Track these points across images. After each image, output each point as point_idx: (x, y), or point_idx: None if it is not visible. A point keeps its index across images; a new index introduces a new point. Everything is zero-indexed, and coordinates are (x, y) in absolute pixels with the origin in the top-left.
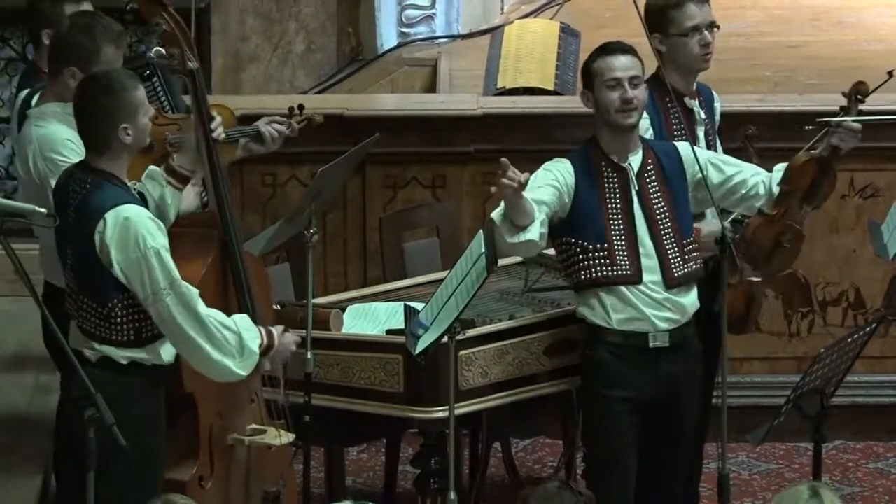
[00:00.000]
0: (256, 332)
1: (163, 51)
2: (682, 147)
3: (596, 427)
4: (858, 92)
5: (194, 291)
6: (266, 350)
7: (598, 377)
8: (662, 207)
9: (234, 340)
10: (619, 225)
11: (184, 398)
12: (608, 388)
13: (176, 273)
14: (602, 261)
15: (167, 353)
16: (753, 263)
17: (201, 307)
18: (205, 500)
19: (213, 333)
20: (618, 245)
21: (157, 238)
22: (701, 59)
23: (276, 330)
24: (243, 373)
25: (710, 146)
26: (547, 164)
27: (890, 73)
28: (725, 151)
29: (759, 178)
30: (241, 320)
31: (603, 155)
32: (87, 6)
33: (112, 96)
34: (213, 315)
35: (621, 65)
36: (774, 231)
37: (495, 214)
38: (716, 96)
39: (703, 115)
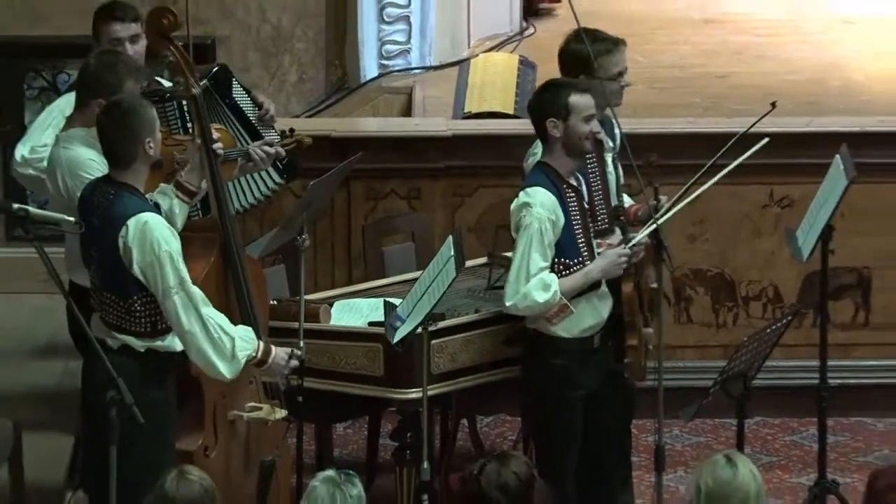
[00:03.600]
0: (251, 345)
1: (262, 99)
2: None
3: (554, 423)
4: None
5: (201, 294)
6: (259, 364)
7: (558, 381)
8: (591, 221)
9: (228, 344)
10: (583, 238)
11: (191, 380)
12: (568, 389)
13: (185, 275)
14: (575, 271)
15: (179, 342)
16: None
17: (205, 309)
18: (210, 467)
19: (211, 334)
20: (586, 255)
21: (170, 243)
22: (618, 97)
23: (279, 351)
24: (228, 375)
25: (616, 170)
26: (547, 211)
27: (773, 105)
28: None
29: None
30: (242, 331)
31: (561, 178)
32: (134, 28)
33: (136, 117)
34: (215, 318)
35: (593, 103)
36: (644, 347)
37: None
38: (617, 123)
39: (609, 143)
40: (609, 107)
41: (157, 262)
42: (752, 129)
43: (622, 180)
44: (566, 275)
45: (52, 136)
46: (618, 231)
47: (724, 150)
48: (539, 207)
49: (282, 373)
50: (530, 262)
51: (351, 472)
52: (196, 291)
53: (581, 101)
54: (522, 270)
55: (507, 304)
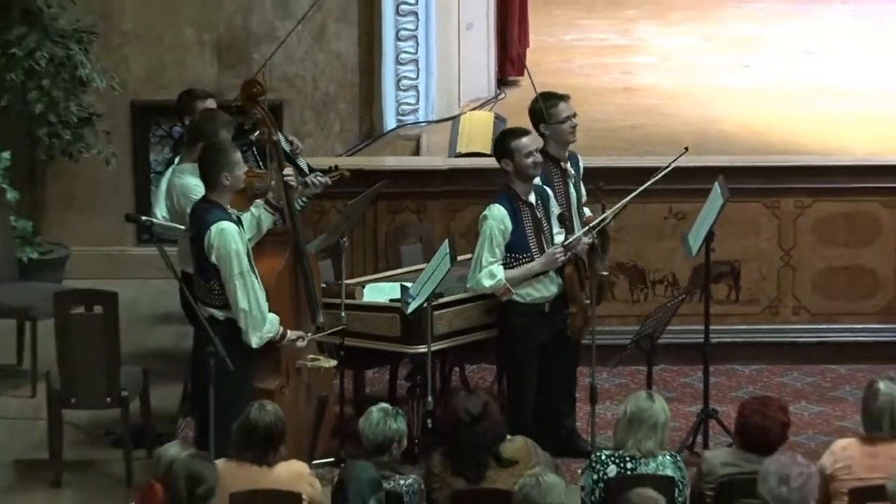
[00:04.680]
0: (275, 328)
1: (292, 138)
2: (550, 192)
3: (516, 366)
4: (562, 219)
5: (259, 284)
6: (278, 341)
7: (517, 335)
8: (546, 226)
9: (261, 321)
10: (532, 239)
11: (271, 342)
12: (524, 340)
13: (245, 267)
14: (524, 263)
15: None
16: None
17: (253, 294)
18: (284, 401)
19: (252, 309)
20: (535, 252)
21: (238, 244)
22: (571, 135)
23: (290, 334)
24: (255, 345)
25: (577, 190)
26: (496, 221)
27: (686, 149)
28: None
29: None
30: (272, 316)
31: (518, 197)
32: (211, 103)
33: (220, 156)
34: (262, 303)
35: (530, 142)
36: (584, 311)
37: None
38: (580, 158)
39: (572, 172)
40: (563, 144)
41: (226, 256)
42: (652, 164)
43: (584, 198)
44: (515, 266)
45: None
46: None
47: (654, 178)
48: (492, 220)
49: (293, 348)
50: (483, 257)
51: (401, 412)
52: (252, 282)
53: (520, 143)
54: (478, 263)
55: (467, 285)
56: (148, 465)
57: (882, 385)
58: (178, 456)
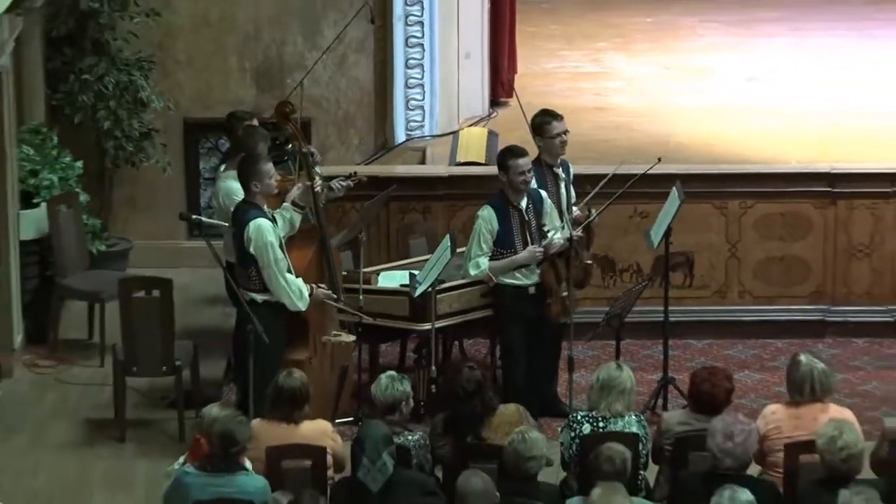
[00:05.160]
0: (307, 288)
1: (313, 150)
2: (545, 195)
3: (508, 336)
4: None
5: (286, 266)
6: (309, 293)
7: (507, 310)
8: (535, 228)
9: (298, 291)
10: (518, 238)
11: (303, 320)
12: (512, 315)
13: (279, 256)
14: (508, 256)
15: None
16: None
17: (289, 276)
18: (311, 370)
19: (291, 287)
20: (519, 248)
21: (271, 237)
22: (560, 149)
23: (317, 289)
24: (303, 308)
25: (567, 193)
26: (485, 221)
27: (659, 159)
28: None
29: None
30: (301, 282)
31: (509, 202)
32: (254, 121)
33: (252, 166)
34: (290, 278)
35: (525, 163)
36: (560, 301)
37: (480, 271)
38: (570, 165)
39: (563, 176)
40: (554, 156)
41: (262, 248)
42: (622, 171)
43: (574, 199)
44: (499, 258)
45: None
46: (553, 233)
47: (627, 185)
48: (482, 220)
49: (321, 300)
50: (472, 250)
51: (406, 376)
52: (284, 266)
53: (517, 163)
54: (468, 254)
55: (461, 273)
56: (197, 423)
57: (803, 357)
58: (219, 416)
